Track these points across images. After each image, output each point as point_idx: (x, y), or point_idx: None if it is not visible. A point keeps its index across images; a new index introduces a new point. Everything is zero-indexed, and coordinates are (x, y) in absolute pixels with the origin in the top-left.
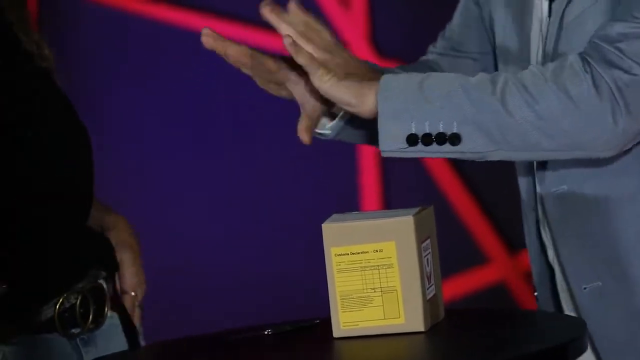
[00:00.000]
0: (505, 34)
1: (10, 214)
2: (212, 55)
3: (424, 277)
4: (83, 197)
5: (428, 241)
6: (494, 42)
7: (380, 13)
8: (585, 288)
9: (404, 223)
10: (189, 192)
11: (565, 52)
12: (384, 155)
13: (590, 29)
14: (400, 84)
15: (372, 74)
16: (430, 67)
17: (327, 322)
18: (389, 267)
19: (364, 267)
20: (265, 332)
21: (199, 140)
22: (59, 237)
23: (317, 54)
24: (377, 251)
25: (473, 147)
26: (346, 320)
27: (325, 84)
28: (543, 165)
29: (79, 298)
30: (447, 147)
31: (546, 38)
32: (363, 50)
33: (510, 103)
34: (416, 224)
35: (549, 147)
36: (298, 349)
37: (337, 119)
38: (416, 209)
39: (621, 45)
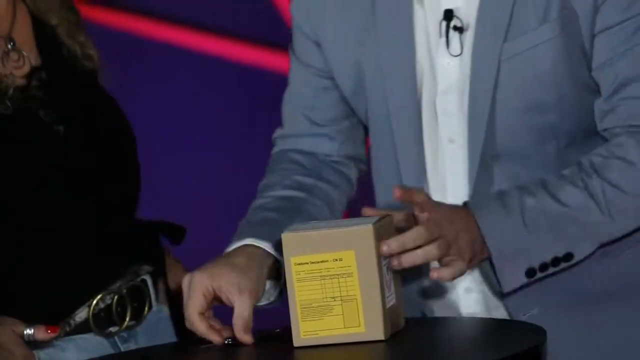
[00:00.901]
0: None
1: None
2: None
3: (384, 286)
4: (122, 197)
5: None
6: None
7: None
8: (524, 315)
9: (363, 232)
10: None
11: (509, 88)
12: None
13: (543, 68)
14: (506, 229)
15: (473, 226)
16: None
17: (288, 331)
18: (348, 276)
19: (324, 276)
20: (225, 342)
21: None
22: (90, 243)
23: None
24: (336, 260)
25: (584, 254)
26: (306, 329)
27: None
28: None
29: (115, 298)
30: (562, 265)
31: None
32: None
33: (615, 213)
34: (375, 233)
35: None
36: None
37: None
38: (375, 218)
39: None
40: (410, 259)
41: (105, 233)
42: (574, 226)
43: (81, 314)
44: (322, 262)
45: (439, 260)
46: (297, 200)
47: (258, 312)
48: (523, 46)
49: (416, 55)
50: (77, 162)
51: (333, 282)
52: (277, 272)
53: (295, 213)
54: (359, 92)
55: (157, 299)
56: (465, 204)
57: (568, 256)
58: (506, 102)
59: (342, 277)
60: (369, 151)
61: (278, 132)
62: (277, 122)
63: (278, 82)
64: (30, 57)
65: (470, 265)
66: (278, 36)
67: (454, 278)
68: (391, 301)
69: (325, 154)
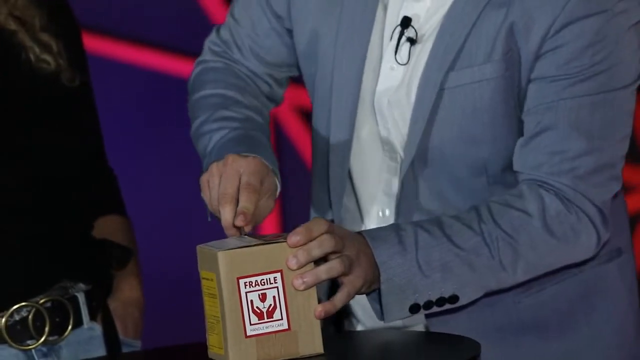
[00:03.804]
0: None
1: None
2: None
3: (242, 313)
4: (55, 209)
5: (268, 276)
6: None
7: None
8: None
9: (218, 256)
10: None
11: (447, 116)
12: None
13: (482, 104)
14: (399, 263)
15: (370, 253)
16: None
17: None
18: (215, 298)
19: (210, 293)
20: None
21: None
22: (11, 252)
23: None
24: (210, 280)
25: (469, 299)
26: (210, 342)
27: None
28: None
29: (32, 311)
30: (447, 305)
31: (402, 83)
32: None
33: (506, 262)
34: (228, 260)
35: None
36: None
37: None
38: (262, 240)
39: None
40: (312, 278)
41: (43, 247)
42: (464, 269)
43: None
44: (206, 279)
45: (338, 279)
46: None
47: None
48: (466, 79)
49: (367, 50)
50: (11, 178)
51: (214, 301)
52: None
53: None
54: (308, 56)
55: (93, 317)
56: (360, 233)
57: (453, 298)
58: (442, 128)
59: (215, 298)
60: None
61: (215, 45)
62: None
63: None
64: None
65: (362, 291)
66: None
67: (343, 304)
68: (265, 329)
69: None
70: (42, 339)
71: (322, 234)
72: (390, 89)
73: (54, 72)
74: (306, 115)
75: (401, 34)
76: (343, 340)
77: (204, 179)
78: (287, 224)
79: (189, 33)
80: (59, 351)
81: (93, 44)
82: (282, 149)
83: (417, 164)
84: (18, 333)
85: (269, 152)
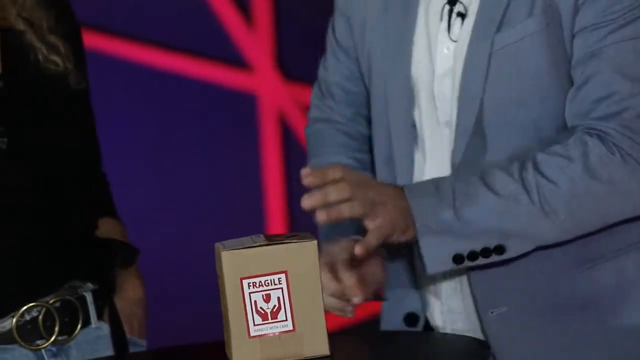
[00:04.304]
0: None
1: None
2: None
3: (246, 314)
4: (58, 209)
5: (272, 277)
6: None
7: (286, 35)
8: (492, 312)
9: (222, 256)
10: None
11: (497, 81)
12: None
13: (527, 62)
14: (435, 210)
15: (401, 198)
16: (352, 136)
17: None
18: (224, 297)
19: (222, 292)
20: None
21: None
22: (16, 253)
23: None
24: (220, 278)
25: (518, 252)
26: (225, 340)
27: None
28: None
29: (42, 311)
30: (493, 257)
31: (451, 62)
32: (268, 72)
33: (547, 208)
34: (231, 260)
35: (590, 231)
36: None
37: None
38: (268, 241)
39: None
40: (334, 213)
41: (46, 247)
42: (505, 217)
43: (5, 324)
44: (219, 277)
45: (364, 219)
46: None
47: None
48: (511, 38)
49: (414, 40)
50: (12, 177)
51: (224, 300)
52: None
53: None
54: (370, 78)
55: (100, 316)
56: (398, 186)
57: (499, 249)
58: (494, 94)
59: (224, 297)
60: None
61: (314, 112)
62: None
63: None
64: None
65: (405, 236)
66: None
67: (373, 243)
68: (270, 330)
69: (360, 133)
70: (52, 338)
71: (339, 180)
72: (449, 69)
73: (62, 73)
74: None
75: (450, 11)
76: (349, 341)
77: None
78: (294, 224)
79: (195, 32)
80: (68, 351)
81: (99, 42)
82: (289, 148)
83: (473, 136)
84: (28, 333)
85: None
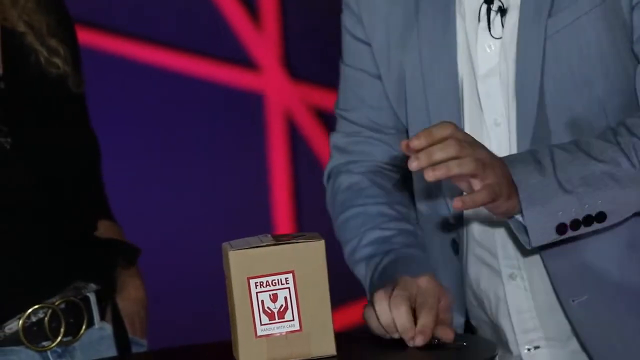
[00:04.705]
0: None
1: None
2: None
3: (253, 314)
4: (60, 209)
5: (279, 277)
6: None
7: (293, 34)
8: (574, 301)
9: (229, 255)
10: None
11: (556, 65)
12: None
13: (587, 40)
14: (537, 179)
15: (504, 165)
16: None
17: None
18: (232, 296)
19: (229, 292)
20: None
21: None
22: (20, 253)
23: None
24: (227, 278)
25: (619, 218)
26: (232, 340)
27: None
28: None
29: (48, 312)
30: (595, 225)
31: (502, 55)
32: (276, 73)
33: None
34: (238, 260)
35: None
36: None
37: None
38: (276, 241)
39: None
40: (444, 170)
41: (49, 247)
42: (606, 182)
43: (11, 326)
44: (226, 277)
45: (473, 178)
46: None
47: None
48: (567, 20)
49: (457, 57)
50: (15, 178)
51: (231, 300)
52: None
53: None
54: (401, 97)
55: (102, 317)
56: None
57: (601, 216)
58: (554, 79)
59: (231, 297)
60: None
61: (340, 140)
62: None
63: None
64: None
65: (507, 204)
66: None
67: (483, 202)
68: (276, 330)
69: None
70: (58, 339)
71: (446, 138)
72: (495, 67)
73: (62, 75)
74: (321, 115)
75: (488, 10)
76: (356, 341)
77: (369, 310)
78: (301, 223)
79: (202, 32)
80: (73, 352)
81: (106, 42)
82: (296, 148)
83: (538, 129)
84: (34, 335)
85: (426, 265)
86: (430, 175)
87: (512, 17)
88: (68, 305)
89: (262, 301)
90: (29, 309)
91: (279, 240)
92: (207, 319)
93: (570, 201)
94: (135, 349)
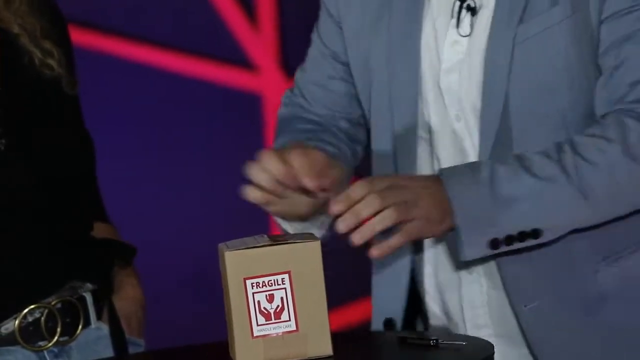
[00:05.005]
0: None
1: None
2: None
3: (249, 314)
4: (56, 209)
5: (275, 277)
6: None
7: (290, 35)
8: (526, 306)
9: (225, 256)
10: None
11: (523, 71)
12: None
13: (556, 50)
14: (473, 194)
15: (440, 190)
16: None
17: None
18: (228, 297)
19: (226, 292)
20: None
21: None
22: (16, 253)
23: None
24: (224, 278)
25: (554, 235)
26: (229, 341)
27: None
28: None
29: (45, 312)
30: (530, 241)
31: (463, 55)
32: (273, 73)
33: (586, 189)
34: (234, 260)
35: (625, 213)
36: None
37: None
38: (273, 241)
39: None
40: (367, 232)
41: (46, 247)
42: (543, 198)
43: (8, 326)
44: (223, 278)
45: (399, 225)
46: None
47: None
48: (537, 28)
49: (422, 35)
50: (13, 178)
51: (227, 300)
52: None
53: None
54: (366, 83)
55: (99, 317)
56: (439, 170)
57: (536, 232)
58: (520, 85)
59: (227, 298)
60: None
61: (283, 110)
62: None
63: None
64: None
65: (440, 229)
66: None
67: (399, 244)
68: (272, 330)
69: (338, 127)
70: (54, 339)
71: (366, 195)
72: (457, 64)
73: (56, 77)
74: None
75: (460, 7)
76: (353, 342)
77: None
78: None
79: (199, 32)
80: (69, 352)
81: (102, 43)
82: None
83: (500, 129)
84: (31, 334)
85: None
86: (358, 239)
87: (483, 17)
88: (64, 305)
89: (259, 302)
90: (25, 308)
91: (275, 240)
92: (206, 319)
93: (505, 217)
94: (132, 349)
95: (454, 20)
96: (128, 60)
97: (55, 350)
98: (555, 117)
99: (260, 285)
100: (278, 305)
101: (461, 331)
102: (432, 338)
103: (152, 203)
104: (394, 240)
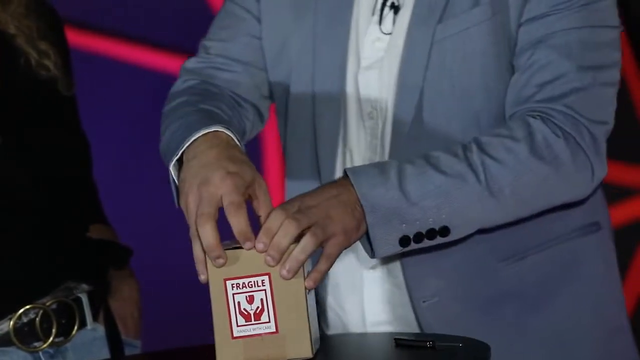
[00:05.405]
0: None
1: None
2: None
3: (229, 315)
4: (53, 211)
5: (255, 279)
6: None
7: None
8: (424, 302)
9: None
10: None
11: (438, 71)
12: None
13: (472, 51)
14: (382, 193)
15: (345, 190)
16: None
17: None
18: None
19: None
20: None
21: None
22: (13, 253)
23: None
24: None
25: (462, 234)
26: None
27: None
28: None
29: (39, 313)
30: (439, 239)
31: (385, 53)
32: None
33: (494, 187)
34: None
35: (530, 214)
36: None
37: None
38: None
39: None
40: (294, 263)
41: (42, 248)
42: (451, 196)
43: (2, 326)
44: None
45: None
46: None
47: None
48: (456, 28)
49: (349, 39)
50: (9, 178)
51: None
52: None
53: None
54: (281, 61)
55: (95, 318)
56: (344, 171)
57: (444, 230)
58: (435, 85)
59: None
60: (282, 145)
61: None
62: None
63: None
64: None
65: (358, 235)
66: None
67: (327, 267)
68: (254, 331)
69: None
70: (50, 340)
71: (282, 223)
72: (377, 61)
73: (52, 78)
74: None
75: (383, 5)
76: (335, 343)
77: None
78: None
79: (197, 33)
80: (65, 353)
81: (100, 44)
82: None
83: (412, 127)
84: (26, 335)
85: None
86: (286, 275)
87: (404, 16)
88: (60, 306)
89: (239, 302)
90: (20, 309)
91: None
92: (203, 320)
93: (414, 214)
94: (128, 350)
95: (376, 17)
96: (125, 61)
97: (51, 351)
98: (469, 117)
99: (241, 287)
100: (258, 307)
101: (357, 325)
102: (429, 340)
103: (148, 204)
104: (321, 266)
